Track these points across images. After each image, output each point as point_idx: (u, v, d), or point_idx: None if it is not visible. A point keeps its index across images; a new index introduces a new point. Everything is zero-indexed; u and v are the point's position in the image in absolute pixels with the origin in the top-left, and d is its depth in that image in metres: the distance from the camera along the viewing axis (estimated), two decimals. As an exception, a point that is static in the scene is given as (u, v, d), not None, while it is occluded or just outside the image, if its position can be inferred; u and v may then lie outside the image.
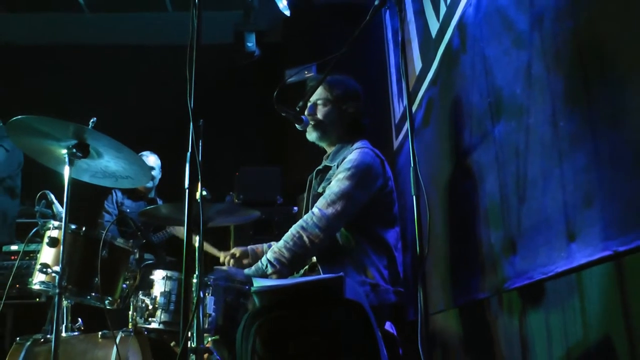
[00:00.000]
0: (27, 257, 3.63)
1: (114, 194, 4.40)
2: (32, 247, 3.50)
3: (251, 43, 4.57)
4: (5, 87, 3.54)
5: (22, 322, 3.72)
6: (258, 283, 1.63)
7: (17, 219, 3.35)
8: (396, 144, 3.45)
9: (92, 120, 2.14)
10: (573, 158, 1.44)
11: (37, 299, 2.50)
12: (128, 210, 4.38)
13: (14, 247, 3.72)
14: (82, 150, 2.10)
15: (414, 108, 2.96)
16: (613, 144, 1.28)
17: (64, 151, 2.10)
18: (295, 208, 3.88)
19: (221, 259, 2.47)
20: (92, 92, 5.46)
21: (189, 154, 1.66)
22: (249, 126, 5.67)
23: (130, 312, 2.55)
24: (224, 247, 2.73)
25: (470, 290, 2.18)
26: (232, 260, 2.41)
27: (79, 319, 2.54)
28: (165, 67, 5.39)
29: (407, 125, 3.00)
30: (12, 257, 3.76)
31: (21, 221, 3.44)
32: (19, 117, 2.03)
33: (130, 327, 2.50)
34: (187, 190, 1.62)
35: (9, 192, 3.11)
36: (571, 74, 1.47)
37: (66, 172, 2.09)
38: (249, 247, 2.49)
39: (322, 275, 1.80)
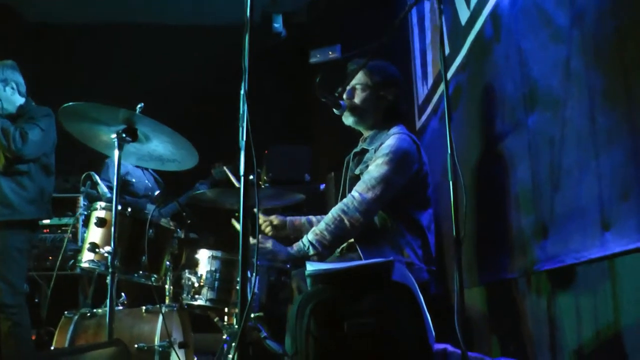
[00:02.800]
0: (59, 231, 3.75)
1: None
2: (64, 220, 3.61)
3: (278, 24, 4.57)
4: (37, 66, 3.56)
5: (56, 291, 3.87)
6: (312, 267, 1.71)
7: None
8: (419, 124, 3.52)
9: (139, 106, 2.19)
10: (610, 152, 1.49)
11: (70, 270, 2.61)
12: (134, 180, 4.34)
13: (46, 221, 3.83)
14: (131, 135, 2.18)
15: (439, 93, 3.01)
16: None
17: (114, 136, 2.17)
18: (322, 185, 3.96)
19: (259, 221, 2.47)
20: (123, 73, 5.43)
21: (243, 141, 1.71)
22: (277, 105, 5.68)
23: (166, 287, 2.66)
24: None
25: (498, 270, 2.26)
26: (269, 227, 2.48)
27: (122, 294, 2.65)
28: (194, 47, 5.36)
29: (430, 107, 3.05)
30: (45, 231, 3.87)
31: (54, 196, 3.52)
32: (71, 103, 2.08)
33: (167, 301, 2.62)
34: (242, 177, 1.69)
35: (44, 169, 3.16)
36: (611, 71, 1.50)
37: (116, 156, 2.16)
38: (287, 218, 2.54)
39: (373, 260, 1.89)
